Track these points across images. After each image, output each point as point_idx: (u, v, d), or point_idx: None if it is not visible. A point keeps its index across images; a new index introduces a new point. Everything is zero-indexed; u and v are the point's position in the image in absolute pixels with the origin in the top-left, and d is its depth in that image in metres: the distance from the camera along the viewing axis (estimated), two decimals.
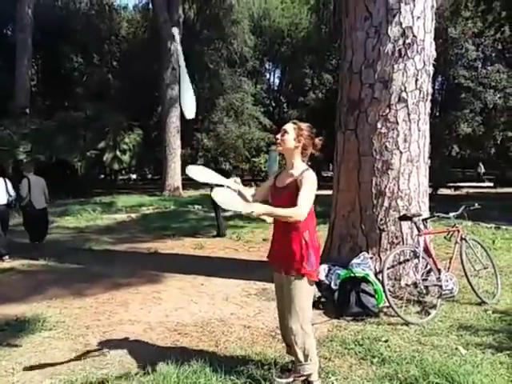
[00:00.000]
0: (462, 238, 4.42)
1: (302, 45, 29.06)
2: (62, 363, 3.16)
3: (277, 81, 37.62)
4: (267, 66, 35.90)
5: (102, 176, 26.49)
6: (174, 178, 19.73)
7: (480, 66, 21.12)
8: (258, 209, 2.41)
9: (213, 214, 12.44)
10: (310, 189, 2.56)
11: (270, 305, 4.41)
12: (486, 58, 21.26)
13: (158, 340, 3.61)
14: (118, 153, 18.65)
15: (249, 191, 2.96)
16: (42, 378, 2.97)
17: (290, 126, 2.72)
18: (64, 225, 10.64)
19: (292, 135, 2.69)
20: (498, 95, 21.05)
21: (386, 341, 3.41)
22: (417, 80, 4.51)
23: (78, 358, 3.25)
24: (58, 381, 2.92)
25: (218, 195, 2.47)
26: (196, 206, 14.58)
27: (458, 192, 17.37)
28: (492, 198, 14.41)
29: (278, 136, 2.72)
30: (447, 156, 20.02)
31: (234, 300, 4.61)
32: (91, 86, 24.16)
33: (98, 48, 25.60)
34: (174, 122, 19.17)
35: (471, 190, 18.58)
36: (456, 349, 3.25)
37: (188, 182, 24.53)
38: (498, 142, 23.10)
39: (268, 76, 36.79)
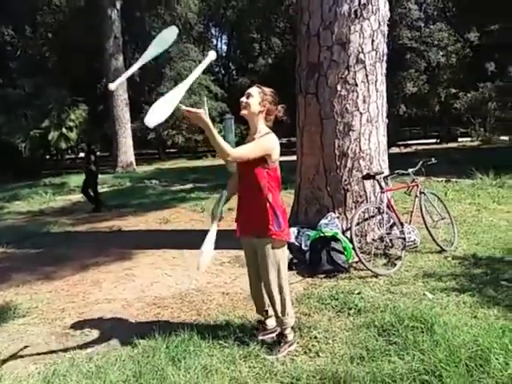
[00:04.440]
0: (420, 192, 4.68)
1: (248, 8, 28.46)
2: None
3: (224, 47, 36.90)
4: (213, 32, 35.03)
5: (48, 156, 25.26)
6: (127, 154, 19.17)
7: (423, 25, 21.69)
8: (199, 118, 2.32)
9: (173, 188, 12.38)
10: (256, 144, 2.62)
11: (244, 271, 4.41)
12: (428, 17, 21.85)
13: (138, 315, 3.62)
14: (64, 130, 17.78)
15: None
16: (25, 364, 2.91)
17: (254, 90, 2.70)
18: (16, 210, 10.17)
19: (257, 99, 2.67)
20: (441, 53, 21.82)
21: (358, 293, 3.60)
22: (373, 41, 4.59)
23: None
24: (43, 365, 2.87)
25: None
26: (153, 181, 14.32)
27: (407, 150, 18.09)
28: (439, 154, 15.16)
29: (243, 99, 2.70)
30: (396, 115, 20.70)
31: (209, 269, 4.64)
32: (26, 60, 22.59)
33: (30, 19, 23.80)
34: (121, 95, 18.45)
35: (419, 147, 19.43)
36: (423, 294, 3.51)
37: (141, 158, 23.97)
38: (442, 99, 24.11)
39: (215, 42, 35.97)
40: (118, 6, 18.01)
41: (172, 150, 31.74)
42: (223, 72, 34.40)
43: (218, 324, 3.25)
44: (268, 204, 2.67)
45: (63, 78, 20.59)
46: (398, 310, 3.10)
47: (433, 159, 4.88)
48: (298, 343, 2.88)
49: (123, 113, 18.55)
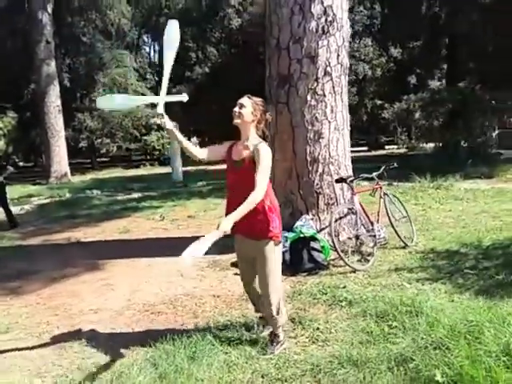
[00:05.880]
0: (384, 194, 5.12)
1: (181, 16, 28.35)
2: None
3: (157, 55, 36.36)
4: (146, 39, 34.46)
5: None
6: (61, 164, 18.21)
7: (351, 40, 23.11)
8: (226, 225, 2.48)
9: (120, 198, 12.03)
10: (265, 166, 2.70)
11: (226, 273, 4.63)
12: (355, 32, 23.28)
13: (132, 323, 3.60)
14: None
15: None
16: (29, 379, 2.81)
17: (246, 100, 2.83)
18: None
19: (250, 109, 2.80)
20: (367, 66, 23.34)
21: (344, 287, 3.89)
22: (338, 55, 4.97)
23: None
24: (51, 377, 2.80)
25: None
26: (95, 191, 13.76)
27: None
28: (371, 160, 16.22)
29: (236, 109, 2.81)
30: None
31: (190, 275, 4.70)
32: None
33: None
34: (53, 102, 17.56)
35: (352, 154, 20.56)
36: (401, 285, 3.88)
37: (72, 167, 22.80)
38: (369, 109, 25.76)
39: (148, 49, 35.37)
40: (50, 9, 17.16)
41: (104, 159, 30.58)
42: (157, 79, 33.88)
43: (220, 324, 3.34)
44: (267, 208, 2.79)
45: None
46: (387, 299, 3.42)
47: (395, 164, 5.36)
48: (302, 335, 3.08)
49: (56, 120, 17.64)
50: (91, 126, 22.89)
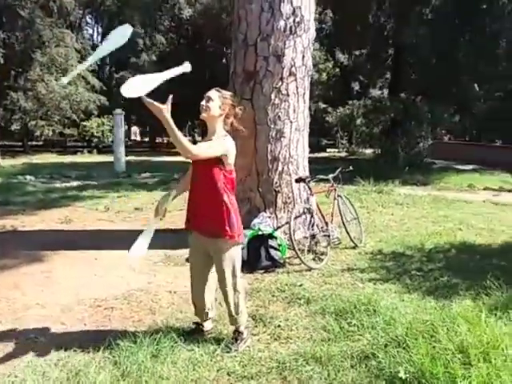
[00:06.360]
0: (338, 195, 5.28)
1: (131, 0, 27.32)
2: None
3: (99, 38, 34.77)
4: (89, 20, 32.77)
5: None
6: None
7: None
8: (163, 112, 2.38)
9: (57, 185, 11.34)
10: (216, 142, 2.66)
11: (181, 269, 4.52)
12: None
13: (85, 318, 3.42)
14: None
15: None
16: None
17: (214, 94, 2.73)
18: None
19: (217, 102, 2.71)
20: (313, 70, 23.93)
21: (301, 285, 3.97)
22: (303, 56, 5.05)
23: None
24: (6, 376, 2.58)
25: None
26: (28, 177, 12.87)
27: None
28: (316, 162, 16.65)
29: (203, 102, 2.72)
30: None
31: (143, 270, 4.56)
32: None
33: None
34: None
35: None
36: (354, 284, 4.03)
37: (4, 150, 21.19)
38: (313, 112, 26.42)
39: (91, 31, 33.67)
40: None
41: (35, 143, 28.71)
42: (99, 63, 32.34)
43: (180, 320, 3.28)
44: (224, 205, 2.71)
45: None
46: (344, 297, 3.54)
47: (350, 167, 5.55)
48: (264, 332, 3.10)
49: None
50: (25, 107, 21.35)
